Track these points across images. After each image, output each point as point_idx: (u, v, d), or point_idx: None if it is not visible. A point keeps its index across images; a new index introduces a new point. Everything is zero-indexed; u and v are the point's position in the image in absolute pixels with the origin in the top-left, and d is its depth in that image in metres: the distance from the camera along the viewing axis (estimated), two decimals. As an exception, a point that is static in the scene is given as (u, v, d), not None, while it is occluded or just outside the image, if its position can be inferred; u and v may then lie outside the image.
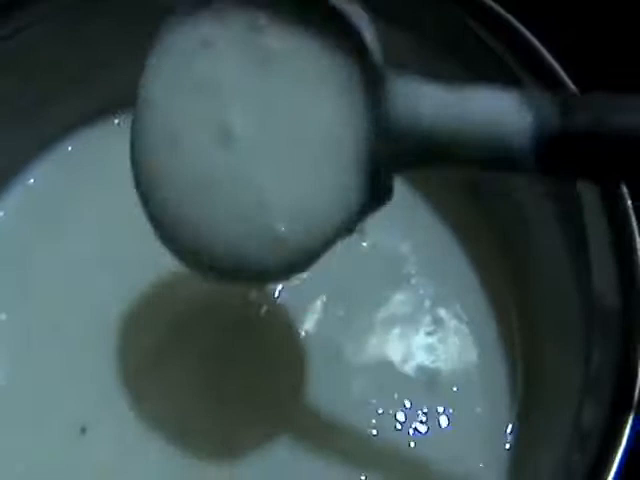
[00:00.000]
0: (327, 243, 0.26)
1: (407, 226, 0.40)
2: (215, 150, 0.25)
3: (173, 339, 0.37)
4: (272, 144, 0.25)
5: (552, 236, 0.36)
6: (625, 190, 0.32)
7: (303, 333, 0.38)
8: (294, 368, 0.37)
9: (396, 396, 0.37)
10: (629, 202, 0.32)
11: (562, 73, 0.34)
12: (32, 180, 0.40)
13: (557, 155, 0.24)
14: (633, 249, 0.31)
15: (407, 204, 0.40)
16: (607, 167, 0.24)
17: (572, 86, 0.33)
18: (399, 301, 0.39)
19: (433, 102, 0.24)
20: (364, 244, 0.40)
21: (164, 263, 0.29)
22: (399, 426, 0.36)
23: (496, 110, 0.24)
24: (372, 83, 0.25)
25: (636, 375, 0.29)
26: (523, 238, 0.39)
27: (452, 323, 0.39)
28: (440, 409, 0.37)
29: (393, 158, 0.25)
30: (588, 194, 0.33)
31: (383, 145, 0.25)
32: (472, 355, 0.38)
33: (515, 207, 0.38)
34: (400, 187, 0.27)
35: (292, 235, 0.25)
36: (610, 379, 0.30)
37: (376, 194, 0.26)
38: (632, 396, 0.29)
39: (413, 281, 0.39)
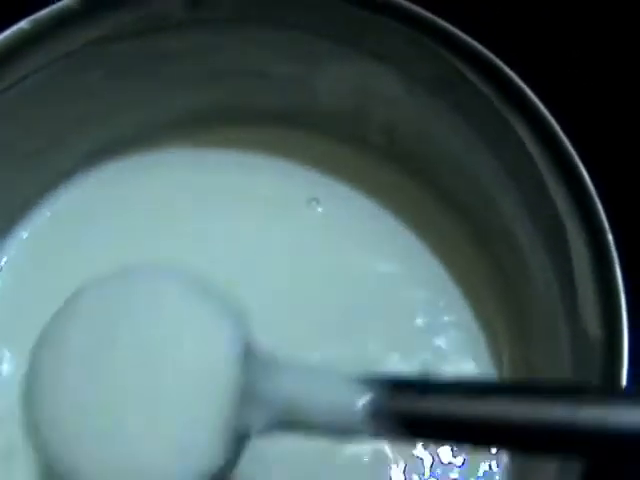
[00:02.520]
0: None
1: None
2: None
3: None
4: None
5: (543, 268, 0.37)
6: (606, 225, 0.34)
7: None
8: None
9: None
10: (610, 236, 0.34)
11: (546, 113, 0.35)
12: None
13: (390, 427, 0.27)
14: (614, 280, 0.33)
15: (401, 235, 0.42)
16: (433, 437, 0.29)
17: (555, 125, 0.35)
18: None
19: (289, 383, 0.28)
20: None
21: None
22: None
23: (336, 394, 0.28)
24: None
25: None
26: (516, 269, 0.40)
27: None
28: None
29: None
30: (573, 230, 0.35)
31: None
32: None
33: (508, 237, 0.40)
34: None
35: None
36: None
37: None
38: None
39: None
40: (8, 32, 0.35)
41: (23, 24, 0.35)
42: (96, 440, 0.28)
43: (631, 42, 0.47)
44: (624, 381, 0.32)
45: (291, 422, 0.28)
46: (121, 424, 0.28)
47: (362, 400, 0.27)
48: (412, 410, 0.27)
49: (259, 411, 0.28)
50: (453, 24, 0.36)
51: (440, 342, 0.40)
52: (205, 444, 0.28)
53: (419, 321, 0.40)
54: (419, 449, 0.38)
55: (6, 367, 0.39)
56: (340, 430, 0.28)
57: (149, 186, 0.41)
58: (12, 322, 0.39)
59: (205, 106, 0.42)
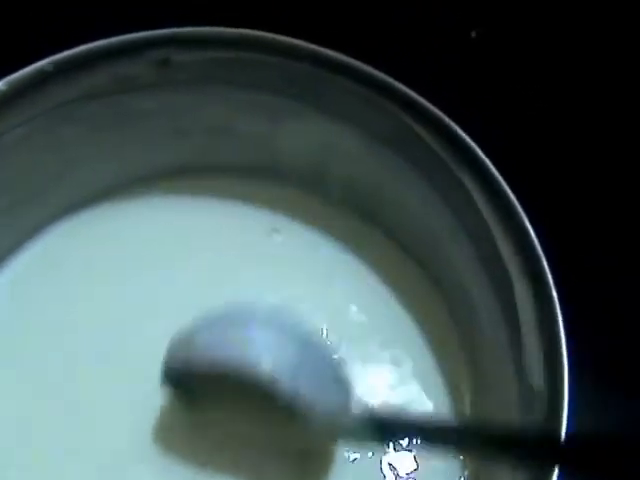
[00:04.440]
0: None
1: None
2: None
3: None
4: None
5: (493, 317, 0.38)
6: (550, 278, 0.35)
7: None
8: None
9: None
10: (553, 289, 0.35)
11: (492, 168, 0.37)
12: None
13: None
14: (557, 333, 0.35)
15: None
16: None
17: (503, 182, 0.37)
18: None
19: None
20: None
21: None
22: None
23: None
24: None
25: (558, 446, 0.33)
26: (470, 317, 0.41)
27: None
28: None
29: None
30: (519, 282, 0.36)
31: None
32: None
33: (461, 285, 0.41)
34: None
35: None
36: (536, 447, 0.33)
37: None
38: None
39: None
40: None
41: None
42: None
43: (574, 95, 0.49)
44: (563, 429, 0.33)
45: None
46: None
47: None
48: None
49: None
50: (406, 84, 0.38)
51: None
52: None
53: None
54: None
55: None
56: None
57: (124, 232, 0.44)
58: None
59: (173, 159, 0.44)
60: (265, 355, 0.35)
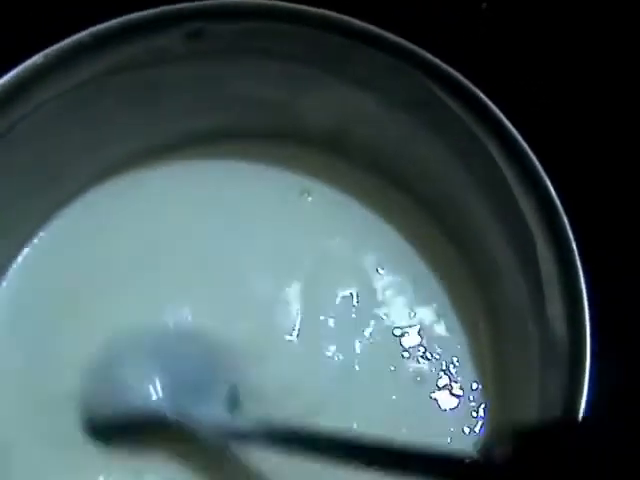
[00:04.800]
0: None
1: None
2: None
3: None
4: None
5: (513, 271, 0.40)
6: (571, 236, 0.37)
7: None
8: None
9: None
10: (574, 245, 0.37)
11: (511, 127, 0.38)
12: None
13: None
14: (578, 285, 0.37)
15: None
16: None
17: (522, 141, 0.38)
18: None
19: None
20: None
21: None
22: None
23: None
24: None
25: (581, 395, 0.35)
26: (490, 271, 0.43)
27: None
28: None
29: None
30: (541, 240, 0.38)
31: None
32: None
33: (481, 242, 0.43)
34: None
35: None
36: (560, 401, 0.35)
37: None
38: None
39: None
40: (24, 65, 0.38)
41: (37, 58, 0.38)
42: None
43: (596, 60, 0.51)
44: (586, 380, 0.35)
45: None
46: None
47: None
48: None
49: None
50: (425, 48, 0.39)
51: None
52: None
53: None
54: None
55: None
56: None
57: (157, 199, 0.45)
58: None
59: (204, 128, 0.45)
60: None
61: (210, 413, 0.38)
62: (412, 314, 0.44)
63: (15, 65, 0.38)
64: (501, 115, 0.39)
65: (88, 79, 0.40)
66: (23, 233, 0.44)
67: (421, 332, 0.43)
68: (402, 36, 0.39)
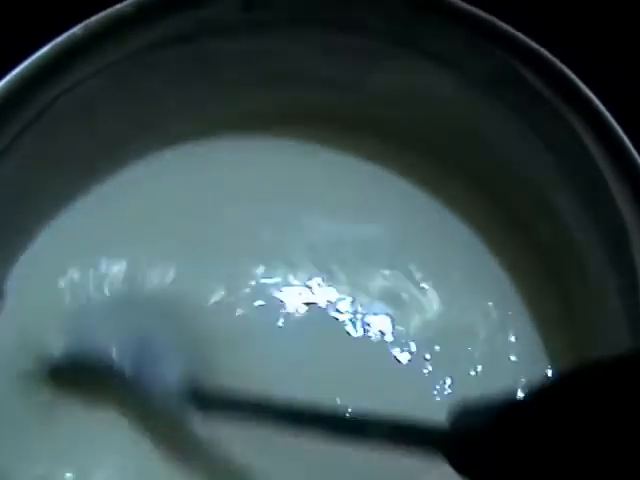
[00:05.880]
0: None
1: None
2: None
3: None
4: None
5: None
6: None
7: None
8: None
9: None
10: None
11: (601, 106, 0.36)
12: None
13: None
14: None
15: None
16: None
17: (610, 117, 0.35)
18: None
19: None
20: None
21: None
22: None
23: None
24: None
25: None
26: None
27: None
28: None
29: None
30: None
31: None
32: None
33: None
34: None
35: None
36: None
37: None
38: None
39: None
40: (61, 38, 0.35)
41: (76, 30, 0.35)
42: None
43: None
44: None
45: None
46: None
47: None
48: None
49: None
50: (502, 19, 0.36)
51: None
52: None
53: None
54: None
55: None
56: None
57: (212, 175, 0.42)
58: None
59: (259, 107, 0.41)
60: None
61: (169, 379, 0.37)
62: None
63: (52, 38, 0.35)
64: (591, 94, 0.35)
65: (131, 53, 0.36)
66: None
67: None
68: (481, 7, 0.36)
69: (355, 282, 0.40)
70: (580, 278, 0.39)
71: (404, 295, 0.40)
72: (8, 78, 0.34)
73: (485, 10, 0.36)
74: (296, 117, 0.41)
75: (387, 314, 0.40)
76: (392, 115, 0.41)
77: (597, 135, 0.35)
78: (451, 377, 0.39)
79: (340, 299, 0.40)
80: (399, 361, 0.39)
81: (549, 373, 0.40)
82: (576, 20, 0.46)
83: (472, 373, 0.39)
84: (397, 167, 0.42)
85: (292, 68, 0.39)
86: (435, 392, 0.38)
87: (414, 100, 0.40)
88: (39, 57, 0.34)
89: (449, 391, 0.39)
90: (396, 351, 0.39)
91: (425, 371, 0.39)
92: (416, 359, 0.39)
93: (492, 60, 0.36)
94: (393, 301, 0.40)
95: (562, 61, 0.36)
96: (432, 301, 0.40)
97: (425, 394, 0.38)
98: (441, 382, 0.39)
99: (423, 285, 0.40)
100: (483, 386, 0.38)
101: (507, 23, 0.36)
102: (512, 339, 0.40)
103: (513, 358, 0.40)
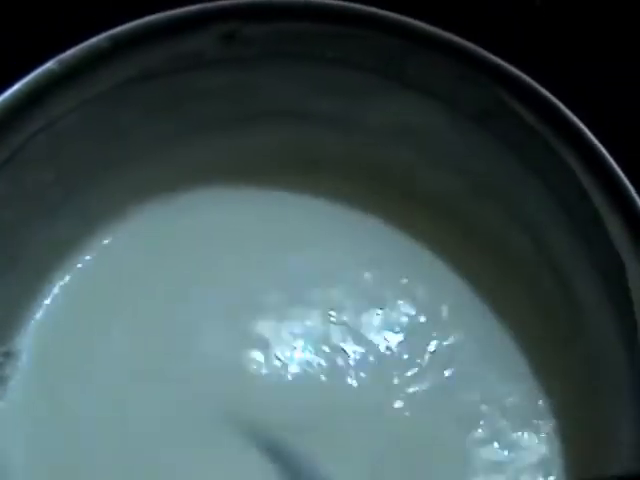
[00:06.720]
0: None
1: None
2: None
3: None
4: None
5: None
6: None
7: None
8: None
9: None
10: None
11: (595, 140, 0.34)
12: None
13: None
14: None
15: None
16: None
17: (596, 143, 0.34)
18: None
19: None
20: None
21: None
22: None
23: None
24: None
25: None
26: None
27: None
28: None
29: None
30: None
31: None
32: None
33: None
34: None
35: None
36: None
37: None
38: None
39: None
40: (36, 73, 0.34)
41: (51, 64, 0.34)
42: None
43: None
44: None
45: None
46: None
47: None
48: None
49: None
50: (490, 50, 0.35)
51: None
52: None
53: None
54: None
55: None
56: None
57: (185, 227, 0.40)
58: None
59: (240, 147, 0.40)
60: None
61: None
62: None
63: (25, 73, 0.34)
64: (583, 126, 0.34)
65: (108, 88, 0.35)
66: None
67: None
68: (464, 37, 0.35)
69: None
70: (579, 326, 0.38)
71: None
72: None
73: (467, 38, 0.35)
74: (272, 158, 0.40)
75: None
76: (383, 157, 0.40)
77: (593, 172, 0.34)
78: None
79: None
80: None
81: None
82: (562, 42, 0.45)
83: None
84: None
85: (271, 104, 0.38)
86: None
87: (400, 136, 0.39)
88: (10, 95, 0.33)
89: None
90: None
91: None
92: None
93: (482, 93, 0.35)
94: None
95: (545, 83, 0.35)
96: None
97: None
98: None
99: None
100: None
101: (492, 49, 0.35)
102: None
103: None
